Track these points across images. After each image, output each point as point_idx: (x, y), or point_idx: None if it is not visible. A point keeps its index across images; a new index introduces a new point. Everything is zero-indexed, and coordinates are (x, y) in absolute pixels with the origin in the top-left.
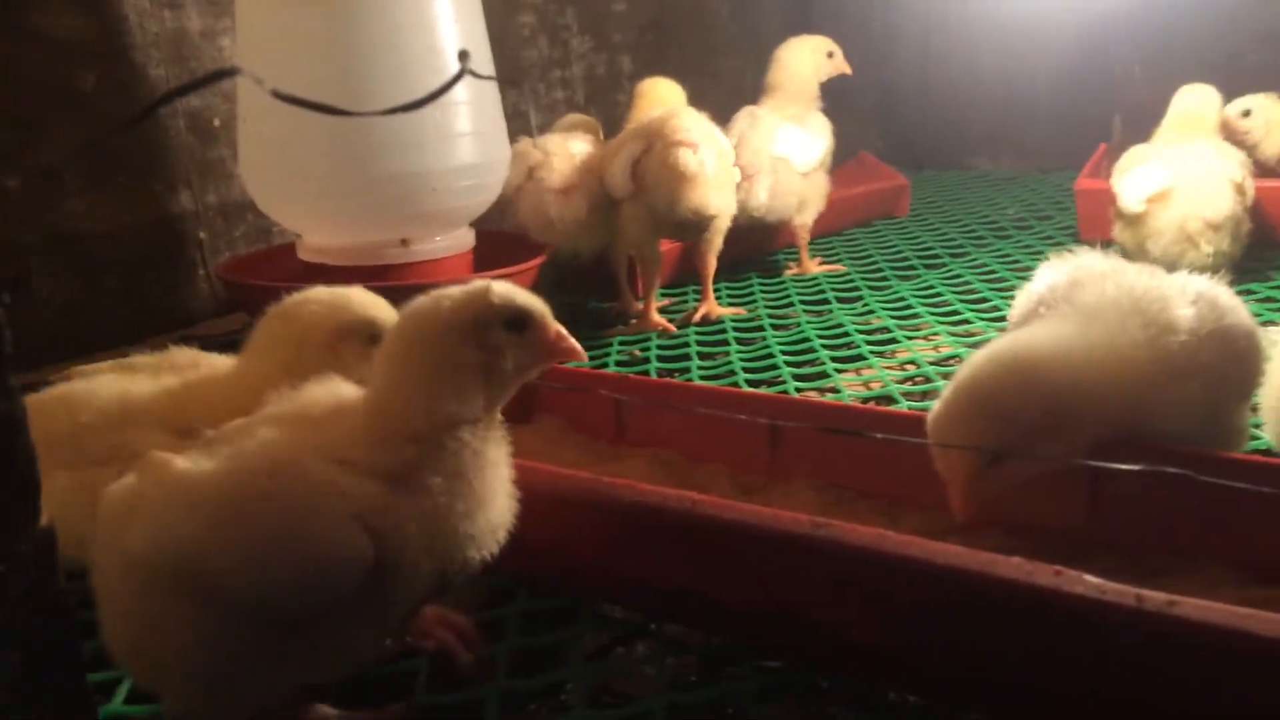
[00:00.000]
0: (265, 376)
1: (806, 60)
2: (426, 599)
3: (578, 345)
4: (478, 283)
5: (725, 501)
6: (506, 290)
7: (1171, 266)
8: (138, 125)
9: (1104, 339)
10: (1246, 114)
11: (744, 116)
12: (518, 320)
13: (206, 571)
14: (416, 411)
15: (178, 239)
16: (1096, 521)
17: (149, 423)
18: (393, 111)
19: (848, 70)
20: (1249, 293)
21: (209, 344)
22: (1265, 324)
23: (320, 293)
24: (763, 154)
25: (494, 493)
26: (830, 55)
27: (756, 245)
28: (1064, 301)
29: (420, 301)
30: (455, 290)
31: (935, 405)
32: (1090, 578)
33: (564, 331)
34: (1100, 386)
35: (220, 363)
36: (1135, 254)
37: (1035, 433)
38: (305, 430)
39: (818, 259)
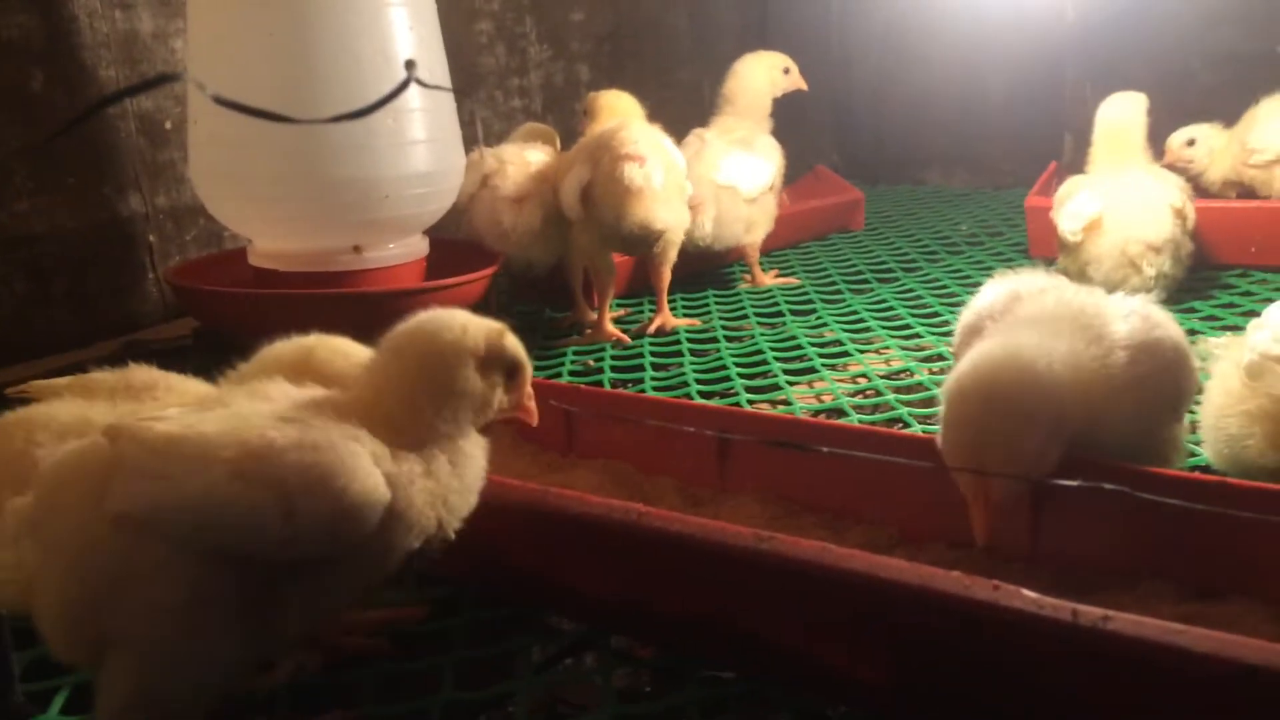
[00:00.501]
0: None
1: (761, 75)
2: (397, 569)
3: (535, 413)
4: (493, 321)
5: (671, 514)
6: (515, 339)
7: (1114, 290)
8: (81, 124)
9: (1064, 350)
10: (1191, 143)
11: (692, 142)
12: (515, 370)
13: (220, 523)
14: (419, 425)
15: (127, 242)
16: (1037, 536)
17: None
18: (337, 119)
19: (803, 86)
20: (1192, 310)
21: (157, 349)
22: (1198, 337)
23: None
24: (705, 183)
25: (473, 479)
26: (786, 71)
27: (710, 259)
28: (1005, 315)
29: (433, 322)
30: (470, 320)
31: (953, 424)
32: (1028, 592)
33: (532, 395)
34: (1069, 395)
35: (179, 384)
36: (1079, 280)
37: (1049, 439)
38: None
39: (773, 271)
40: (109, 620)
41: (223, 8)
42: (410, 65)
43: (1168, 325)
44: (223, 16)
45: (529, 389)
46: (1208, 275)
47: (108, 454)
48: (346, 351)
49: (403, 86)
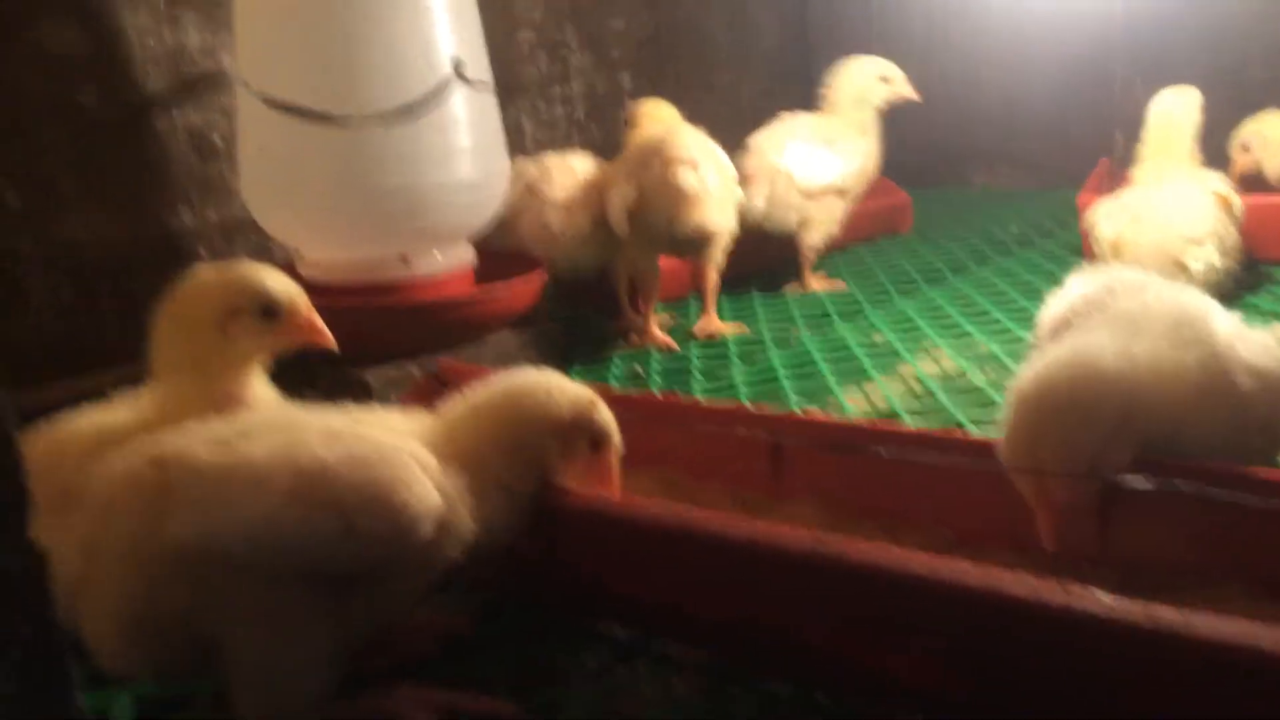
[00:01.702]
0: (175, 386)
1: (854, 80)
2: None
3: (618, 486)
4: (585, 390)
5: (726, 516)
6: (606, 411)
7: None
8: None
9: (1148, 351)
10: (1245, 149)
11: (778, 119)
12: (601, 441)
13: (282, 546)
14: (484, 472)
15: (177, 255)
16: (1103, 537)
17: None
18: (385, 120)
19: (909, 96)
20: (1254, 309)
21: None
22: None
23: (198, 276)
24: (765, 160)
25: (518, 516)
26: (884, 80)
27: (756, 261)
28: (1097, 311)
29: (521, 383)
30: (560, 386)
31: (1012, 425)
32: (1100, 594)
33: (616, 467)
34: (1149, 398)
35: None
36: None
37: (1111, 439)
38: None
39: (820, 274)
40: (192, 633)
41: (268, 17)
42: (459, 64)
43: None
44: (269, 23)
45: (613, 461)
46: (1267, 271)
47: (158, 476)
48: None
49: (448, 83)
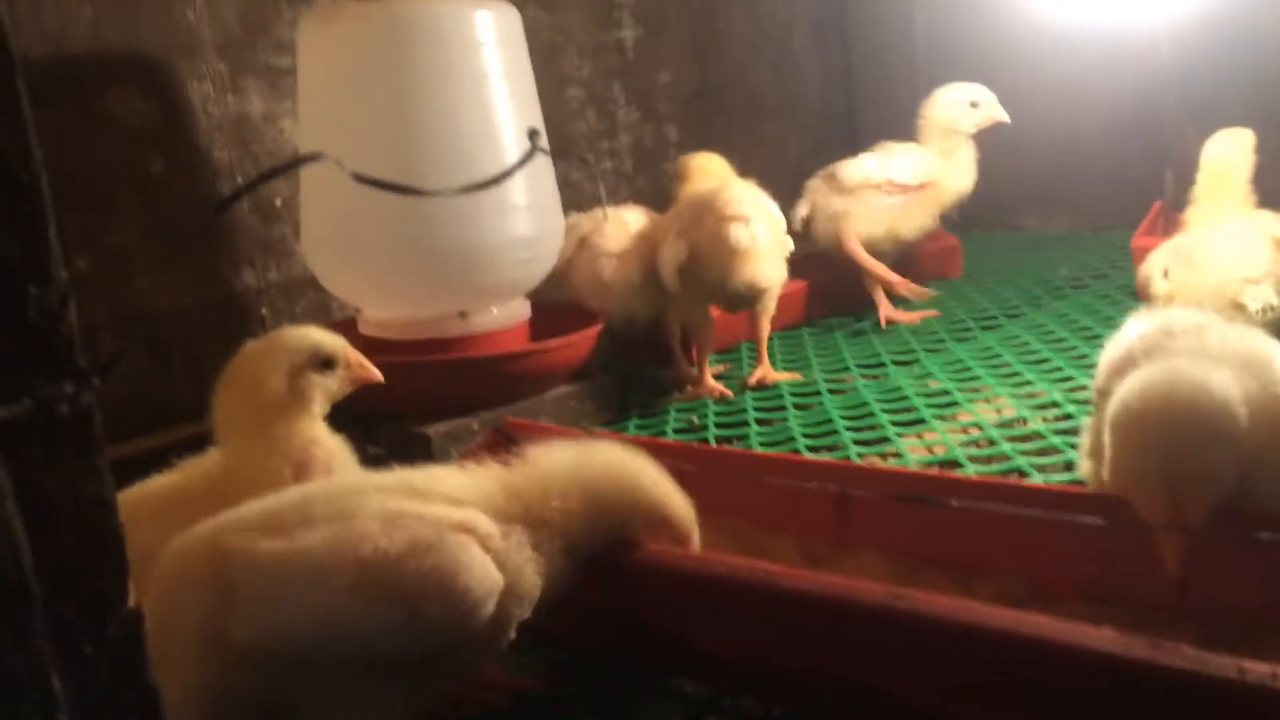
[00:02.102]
0: (242, 450)
1: (943, 109)
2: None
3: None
4: (692, 512)
5: (800, 572)
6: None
7: None
8: (229, 208)
9: (1231, 378)
10: None
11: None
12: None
13: (346, 637)
14: (582, 540)
15: (241, 315)
16: (1181, 588)
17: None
18: (466, 191)
19: (1000, 119)
20: None
21: None
22: None
23: (252, 347)
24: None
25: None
26: (975, 105)
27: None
28: (1158, 350)
29: (615, 456)
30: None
31: (1129, 453)
32: (1189, 649)
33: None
34: (1241, 422)
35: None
36: None
37: (1232, 461)
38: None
39: (901, 311)
40: (268, 709)
41: (332, 88)
42: (534, 135)
43: None
44: (332, 96)
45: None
46: None
47: (219, 572)
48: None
49: (530, 155)
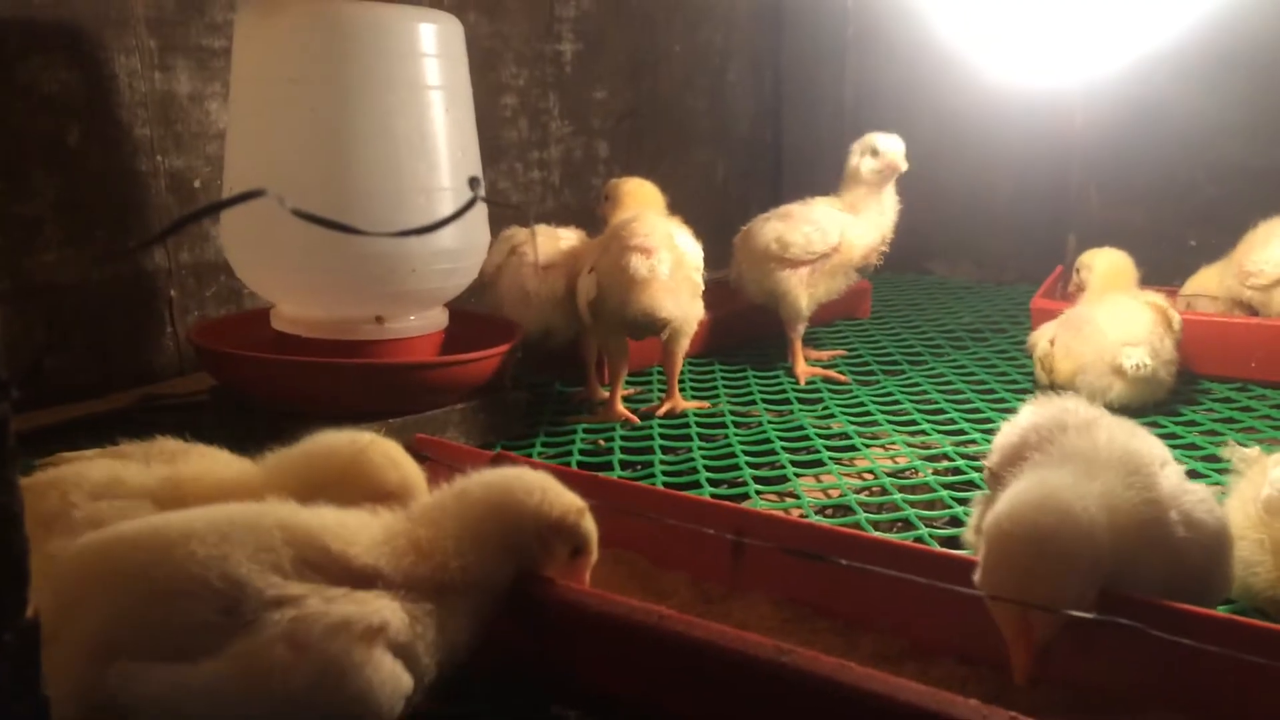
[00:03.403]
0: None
1: (851, 154)
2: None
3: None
4: (576, 498)
5: (692, 619)
6: (592, 522)
7: (1101, 397)
8: (174, 233)
9: (1104, 493)
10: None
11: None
12: (581, 550)
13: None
14: (459, 571)
15: (148, 296)
16: (1050, 660)
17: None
18: (406, 234)
19: (900, 167)
20: (1193, 424)
21: (173, 404)
22: (1205, 456)
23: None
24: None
25: (478, 629)
26: (875, 153)
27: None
28: (1048, 444)
29: (513, 480)
30: (552, 490)
31: (997, 563)
32: None
33: (586, 578)
34: (1105, 538)
35: (211, 456)
36: (1068, 387)
37: (1087, 582)
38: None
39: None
40: None
41: (265, 77)
42: (475, 183)
43: (1216, 510)
44: (265, 85)
45: (586, 575)
46: (1206, 387)
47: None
48: (397, 460)
49: (470, 204)
